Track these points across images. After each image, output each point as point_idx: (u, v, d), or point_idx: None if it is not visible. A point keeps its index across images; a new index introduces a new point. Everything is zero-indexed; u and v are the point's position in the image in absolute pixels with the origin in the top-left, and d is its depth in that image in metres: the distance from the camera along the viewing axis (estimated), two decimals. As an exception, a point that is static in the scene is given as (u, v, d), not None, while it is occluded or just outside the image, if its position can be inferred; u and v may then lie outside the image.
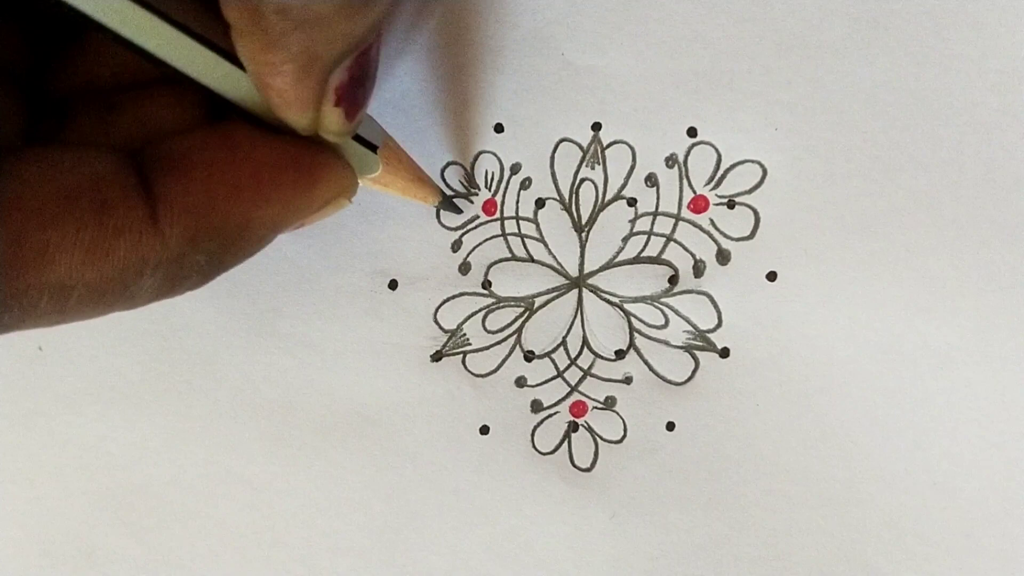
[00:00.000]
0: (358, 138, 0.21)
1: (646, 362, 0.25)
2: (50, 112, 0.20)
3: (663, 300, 0.24)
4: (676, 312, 0.24)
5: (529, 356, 0.26)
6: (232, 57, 0.18)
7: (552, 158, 0.25)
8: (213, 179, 0.18)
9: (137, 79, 0.20)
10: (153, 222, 0.17)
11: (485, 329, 0.26)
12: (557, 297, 0.25)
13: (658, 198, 0.24)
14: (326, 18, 0.17)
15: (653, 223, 0.24)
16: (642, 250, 0.25)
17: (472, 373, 0.26)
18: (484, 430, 0.26)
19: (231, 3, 0.17)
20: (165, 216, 0.17)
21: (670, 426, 0.24)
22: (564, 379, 0.25)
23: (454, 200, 0.25)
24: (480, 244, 0.26)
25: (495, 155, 0.25)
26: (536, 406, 0.26)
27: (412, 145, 0.26)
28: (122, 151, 0.18)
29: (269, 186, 0.19)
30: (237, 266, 0.19)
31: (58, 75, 0.20)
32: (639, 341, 0.25)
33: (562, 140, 0.25)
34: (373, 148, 0.22)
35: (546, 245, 0.25)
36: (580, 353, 0.25)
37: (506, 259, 0.26)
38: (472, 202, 0.26)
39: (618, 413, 0.25)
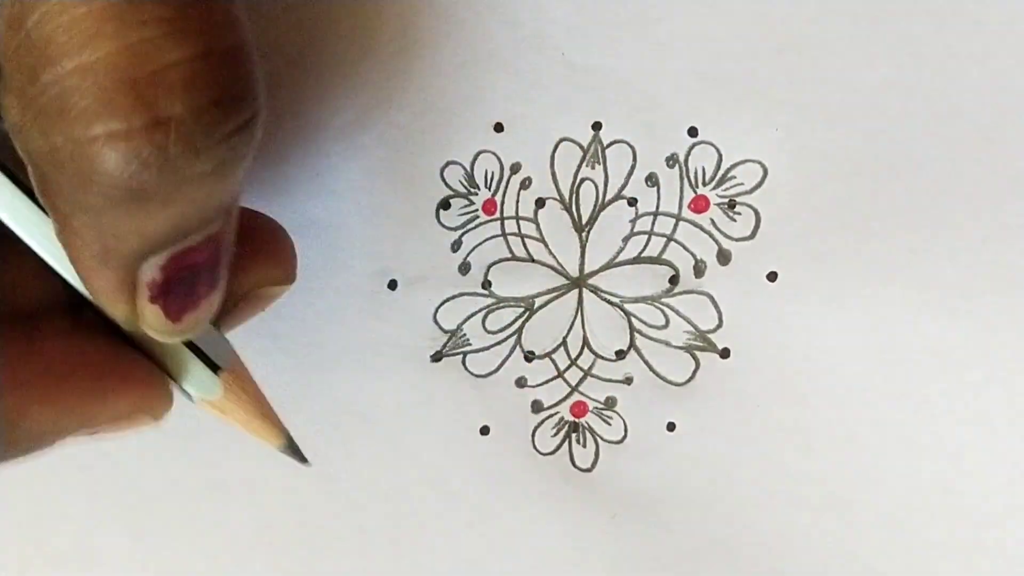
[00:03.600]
0: (204, 357, 0.20)
1: (646, 362, 0.25)
2: None
3: (664, 300, 0.24)
4: (677, 312, 0.24)
5: (529, 356, 0.26)
6: None
7: (552, 158, 0.25)
8: None
9: None
10: None
11: (485, 329, 0.26)
12: (557, 297, 0.25)
13: (659, 198, 0.24)
14: (104, 211, 0.16)
15: (654, 223, 0.24)
16: (643, 250, 0.25)
17: (472, 373, 0.26)
18: (484, 430, 0.26)
19: (36, 185, 0.16)
20: None
21: (670, 426, 0.24)
22: (564, 379, 0.25)
23: (296, 448, 0.23)
24: (480, 244, 0.26)
25: (495, 154, 0.25)
26: (536, 406, 0.26)
27: (411, 145, 0.26)
28: None
29: (53, 386, 0.18)
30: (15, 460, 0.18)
31: None
32: (639, 341, 0.25)
33: (562, 139, 0.25)
34: (216, 369, 0.20)
35: (546, 245, 0.25)
36: (580, 353, 0.25)
37: (506, 259, 0.26)
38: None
39: (619, 413, 0.25)
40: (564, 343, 0.25)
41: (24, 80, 0.15)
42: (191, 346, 0.20)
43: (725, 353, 0.24)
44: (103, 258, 0.17)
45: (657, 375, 0.25)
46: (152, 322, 0.18)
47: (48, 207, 0.17)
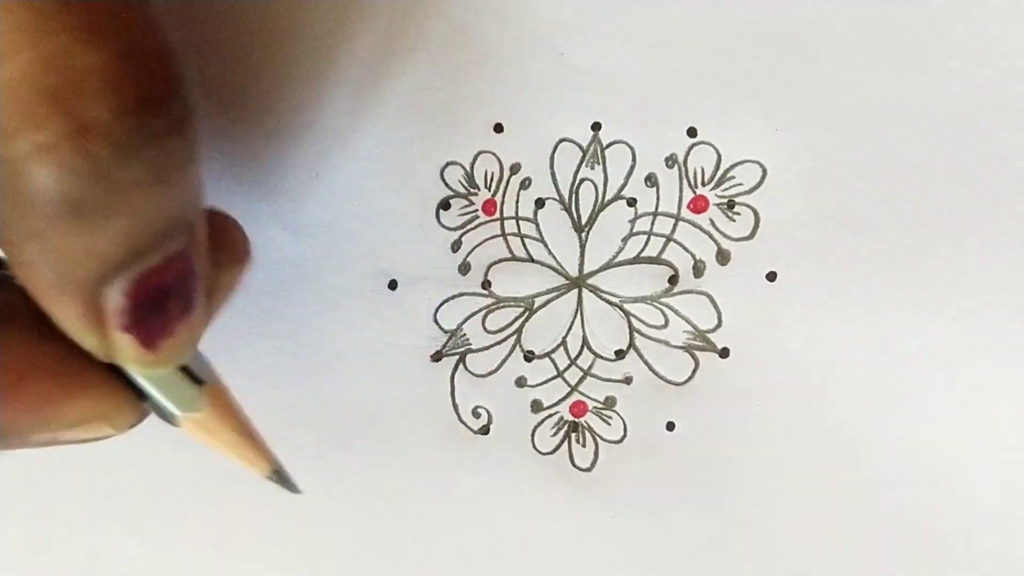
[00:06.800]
0: (186, 372, 0.19)
1: (646, 362, 0.25)
2: None
3: (663, 300, 0.24)
4: (676, 312, 0.24)
5: (529, 356, 0.26)
6: None
7: (552, 158, 0.25)
8: None
9: None
10: None
11: (485, 329, 0.26)
12: (557, 297, 0.25)
13: (658, 198, 0.24)
14: (50, 234, 0.15)
15: (653, 223, 0.24)
16: (642, 250, 0.25)
17: (472, 373, 0.26)
18: (484, 430, 0.26)
19: None
20: None
21: (670, 426, 0.24)
22: (564, 379, 0.25)
23: (285, 476, 0.22)
24: (480, 244, 0.26)
25: (495, 155, 0.25)
26: (536, 406, 0.26)
27: (410, 145, 0.26)
28: None
29: (11, 386, 0.17)
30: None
31: None
32: (639, 341, 0.25)
33: (562, 140, 0.25)
34: (199, 383, 0.20)
35: (546, 245, 0.25)
36: (580, 353, 0.25)
37: (506, 259, 0.26)
38: None
39: (618, 413, 0.25)
40: (564, 343, 0.25)
41: None
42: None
43: (724, 353, 0.24)
44: (61, 286, 0.16)
45: (656, 375, 0.25)
46: (127, 353, 0.17)
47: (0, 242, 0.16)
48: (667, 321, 0.24)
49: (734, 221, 0.24)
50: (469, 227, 0.26)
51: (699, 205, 0.24)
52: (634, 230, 0.25)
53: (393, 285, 0.26)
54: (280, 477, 0.22)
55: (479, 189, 0.26)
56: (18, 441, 0.18)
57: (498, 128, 0.25)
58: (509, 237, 0.25)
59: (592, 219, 0.25)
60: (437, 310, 0.26)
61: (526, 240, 0.25)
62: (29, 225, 0.15)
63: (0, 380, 0.17)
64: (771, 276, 0.24)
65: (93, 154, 0.14)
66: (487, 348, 0.26)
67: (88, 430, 0.19)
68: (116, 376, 0.19)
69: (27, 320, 0.18)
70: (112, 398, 0.19)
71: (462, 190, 0.26)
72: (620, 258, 0.25)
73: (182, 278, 0.17)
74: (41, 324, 0.18)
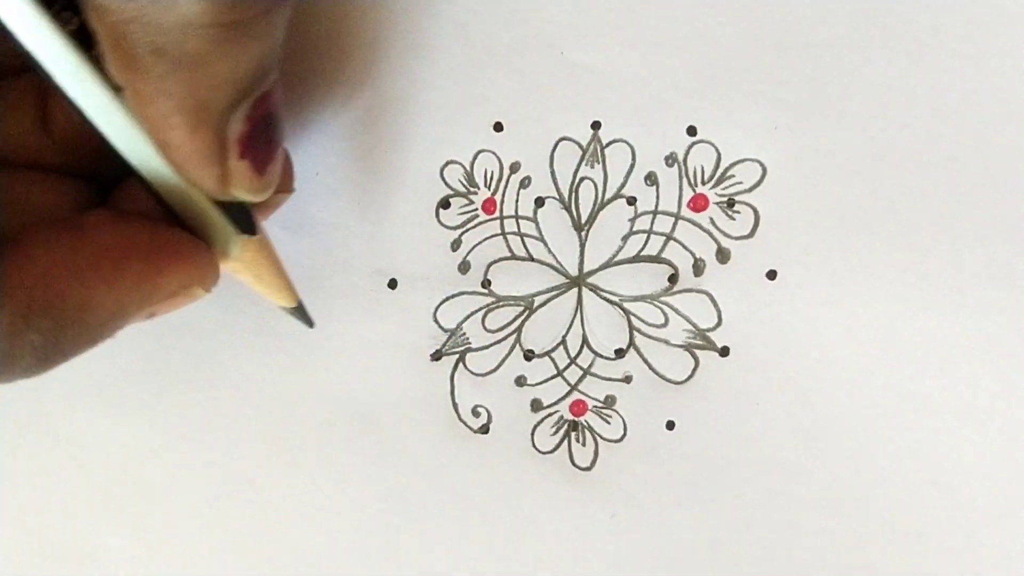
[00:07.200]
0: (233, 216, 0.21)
1: (646, 361, 0.25)
2: None
3: (663, 299, 0.24)
4: (676, 311, 0.24)
5: (529, 355, 0.26)
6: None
7: (552, 157, 0.25)
8: (51, 257, 0.18)
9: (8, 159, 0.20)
10: None
11: (485, 328, 0.26)
12: (557, 296, 0.25)
13: (658, 197, 0.24)
14: (204, 58, 0.16)
15: (653, 222, 0.24)
16: (642, 249, 0.25)
17: (472, 372, 0.26)
18: (484, 429, 0.26)
19: (110, 55, 0.17)
20: None
21: (670, 425, 0.24)
22: (564, 378, 0.25)
23: (304, 310, 0.25)
24: (480, 243, 0.26)
25: (494, 154, 0.25)
26: (536, 405, 0.26)
27: (411, 144, 0.26)
28: None
29: (111, 269, 0.18)
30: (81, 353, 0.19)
31: None
32: (639, 340, 0.25)
33: (562, 139, 0.25)
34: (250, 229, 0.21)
35: (546, 244, 0.25)
36: (580, 352, 0.25)
37: (506, 258, 0.26)
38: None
39: (618, 412, 0.25)
40: (563, 342, 0.25)
41: None
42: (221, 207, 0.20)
43: (724, 351, 0.24)
44: (197, 117, 0.17)
45: (656, 373, 0.25)
46: (242, 180, 0.19)
47: (133, 79, 0.17)
48: (667, 320, 0.24)
49: (734, 220, 0.24)
50: (469, 226, 0.26)
51: (699, 204, 0.24)
52: (634, 229, 0.25)
53: (393, 284, 0.26)
54: (301, 310, 0.24)
55: (479, 188, 0.26)
56: (120, 322, 0.19)
57: (498, 127, 0.25)
58: (509, 236, 0.25)
59: (592, 218, 0.25)
60: (437, 309, 0.26)
61: (526, 239, 0.25)
62: (184, 49, 0.16)
63: (104, 264, 0.18)
64: (771, 274, 0.24)
65: None
66: (487, 347, 0.26)
67: (183, 297, 0.20)
68: (195, 238, 0.20)
69: (101, 211, 0.19)
70: (201, 260, 0.20)
71: (462, 189, 0.26)
72: (620, 257, 0.25)
73: (277, 106, 0.19)
74: (112, 209, 0.19)
